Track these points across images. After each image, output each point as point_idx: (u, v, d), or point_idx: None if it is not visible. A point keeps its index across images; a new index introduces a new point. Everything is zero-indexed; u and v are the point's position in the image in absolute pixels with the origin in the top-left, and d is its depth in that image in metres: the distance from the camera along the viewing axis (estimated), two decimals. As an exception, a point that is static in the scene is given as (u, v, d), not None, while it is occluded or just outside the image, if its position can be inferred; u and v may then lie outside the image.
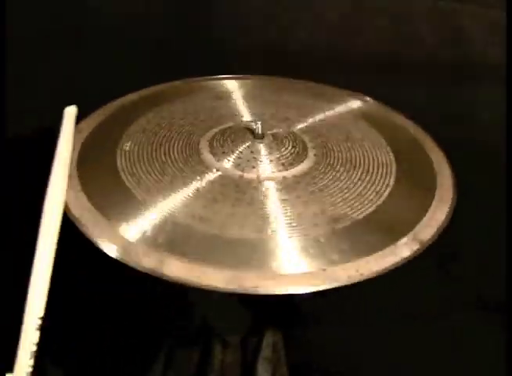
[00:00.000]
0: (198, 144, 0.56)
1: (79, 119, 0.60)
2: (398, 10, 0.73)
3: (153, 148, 0.55)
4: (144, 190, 0.50)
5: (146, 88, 0.66)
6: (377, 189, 0.52)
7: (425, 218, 0.50)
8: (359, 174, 0.53)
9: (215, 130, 0.58)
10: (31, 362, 0.40)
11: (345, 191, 0.51)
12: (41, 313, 0.42)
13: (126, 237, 0.46)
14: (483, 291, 0.49)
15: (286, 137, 0.56)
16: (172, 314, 0.49)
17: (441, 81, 0.58)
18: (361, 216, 0.49)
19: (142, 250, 0.45)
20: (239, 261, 0.44)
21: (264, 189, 0.51)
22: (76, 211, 0.48)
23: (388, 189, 0.52)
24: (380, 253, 0.46)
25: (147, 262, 0.44)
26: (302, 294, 0.43)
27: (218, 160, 0.53)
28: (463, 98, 0.63)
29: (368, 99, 0.67)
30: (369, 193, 0.51)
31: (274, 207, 0.49)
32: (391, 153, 0.57)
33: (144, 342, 0.48)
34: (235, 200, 0.49)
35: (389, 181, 0.53)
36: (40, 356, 0.41)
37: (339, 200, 0.50)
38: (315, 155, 0.55)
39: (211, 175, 0.52)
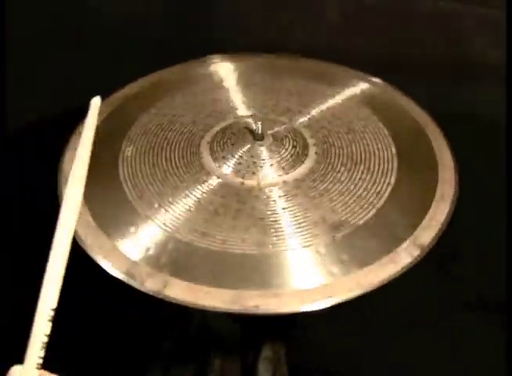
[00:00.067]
0: (199, 147, 0.56)
1: (80, 119, 0.61)
2: (398, 10, 0.72)
3: (154, 152, 0.56)
4: (146, 204, 0.51)
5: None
6: (378, 189, 0.52)
7: (425, 220, 0.50)
8: (360, 173, 0.53)
9: (216, 128, 0.58)
10: (42, 353, 0.40)
11: (346, 194, 0.51)
12: (55, 305, 0.42)
13: (129, 257, 0.47)
14: (483, 291, 0.50)
15: (286, 136, 0.56)
16: (172, 316, 0.50)
17: (441, 81, 0.58)
18: (361, 222, 0.49)
19: (146, 271, 0.46)
20: (241, 279, 0.45)
21: (264, 197, 0.51)
22: (80, 230, 0.49)
23: (389, 189, 0.52)
24: (380, 262, 0.47)
25: (151, 283, 0.45)
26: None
27: (219, 167, 0.53)
28: (463, 98, 0.62)
29: (374, 79, 0.66)
30: (370, 194, 0.52)
31: (274, 218, 0.49)
32: (392, 146, 0.57)
33: (143, 345, 0.50)
34: (236, 212, 0.50)
35: (390, 179, 0.53)
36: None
37: (339, 205, 0.50)
38: (315, 153, 0.55)
39: (212, 184, 0.52)
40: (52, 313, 0.41)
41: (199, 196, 0.51)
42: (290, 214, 0.50)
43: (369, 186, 0.52)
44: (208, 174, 0.53)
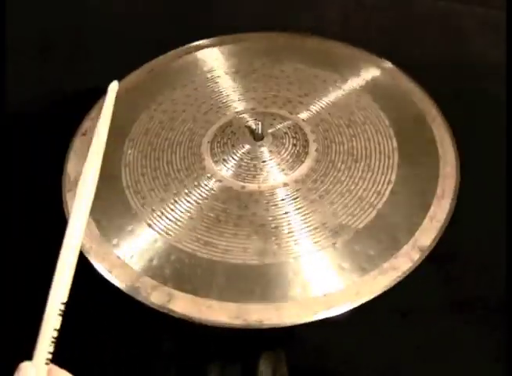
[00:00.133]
0: (199, 147, 0.56)
1: (81, 119, 0.61)
2: (398, 10, 0.71)
3: (155, 155, 0.56)
4: (149, 211, 0.52)
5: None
6: (378, 188, 0.52)
7: (425, 220, 0.50)
8: (361, 171, 0.53)
9: (216, 126, 0.58)
10: (52, 349, 0.38)
11: (346, 195, 0.52)
12: (65, 299, 0.40)
13: (134, 269, 0.48)
14: (483, 291, 0.51)
15: (286, 133, 0.56)
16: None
17: (441, 81, 0.57)
18: (361, 225, 0.50)
19: (151, 284, 0.47)
20: (243, 291, 0.46)
21: (265, 201, 0.52)
22: (85, 241, 0.49)
23: (389, 187, 0.52)
24: (381, 268, 0.47)
25: (155, 297, 0.46)
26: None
27: (220, 170, 0.54)
28: (463, 98, 0.62)
29: (376, 60, 0.64)
30: (370, 194, 0.52)
31: (275, 224, 0.50)
32: (393, 138, 0.57)
33: (143, 345, 0.50)
34: (237, 218, 0.50)
35: (390, 176, 0.53)
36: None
37: (340, 208, 0.51)
38: (316, 150, 0.55)
39: (213, 189, 0.53)
40: (62, 307, 0.40)
41: (200, 201, 0.52)
42: (290, 220, 0.50)
43: (369, 186, 0.52)
44: (209, 178, 0.53)
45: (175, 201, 0.52)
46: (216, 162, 0.54)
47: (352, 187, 0.52)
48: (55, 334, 0.39)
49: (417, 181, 0.54)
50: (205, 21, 0.70)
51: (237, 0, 0.79)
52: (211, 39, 0.69)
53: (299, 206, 0.51)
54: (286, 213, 0.51)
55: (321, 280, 0.47)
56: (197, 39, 0.67)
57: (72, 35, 0.71)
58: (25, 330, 0.51)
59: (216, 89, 0.63)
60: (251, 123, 0.57)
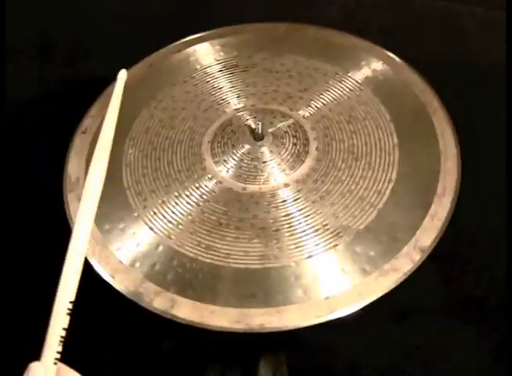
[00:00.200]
0: (200, 147, 0.56)
1: (81, 117, 0.61)
2: (398, 10, 0.70)
3: (156, 155, 0.56)
4: (151, 214, 0.52)
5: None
6: (379, 187, 0.52)
7: (426, 220, 0.50)
8: (361, 170, 0.53)
9: (217, 124, 0.58)
10: (60, 348, 0.38)
11: (347, 195, 0.52)
12: (73, 297, 0.40)
13: (137, 274, 0.48)
14: (483, 291, 0.51)
15: (286, 132, 0.56)
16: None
17: (440, 81, 0.57)
18: (362, 226, 0.50)
19: (154, 290, 0.47)
20: (245, 295, 0.46)
21: (266, 203, 0.52)
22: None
23: (390, 186, 0.52)
24: (381, 270, 0.47)
25: (158, 303, 0.46)
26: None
27: (221, 171, 0.54)
28: (463, 98, 0.61)
29: (377, 50, 0.64)
30: (371, 193, 0.52)
31: (276, 227, 0.50)
32: (394, 134, 0.57)
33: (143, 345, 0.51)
34: (238, 221, 0.50)
35: (391, 175, 0.53)
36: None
37: (340, 208, 0.51)
38: (316, 149, 0.55)
39: (214, 191, 0.53)
40: (70, 306, 0.40)
41: (201, 204, 0.52)
42: (291, 222, 0.50)
43: (370, 185, 0.52)
44: (210, 179, 0.54)
45: (176, 204, 0.52)
46: (216, 163, 0.54)
47: (353, 187, 0.52)
48: (64, 333, 0.39)
49: (418, 178, 0.54)
50: (205, 21, 0.70)
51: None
52: (210, 32, 0.68)
53: (300, 207, 0.51)
54: (287, 215, 0.51)
55: (322, 283, 0.47)
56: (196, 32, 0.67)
57: (72, 35, 0.71)
58: (25, 330, 0.52)
59: (216, 85, 0.62)
60: (251, 122, 0.57)
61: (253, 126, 0.56)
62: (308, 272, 0.48)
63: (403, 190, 0.52)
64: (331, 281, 0.47)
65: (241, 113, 0.59)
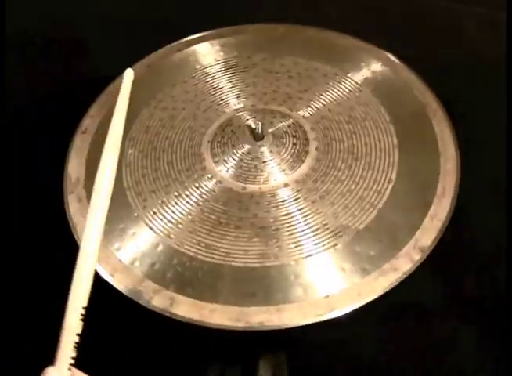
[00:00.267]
0: (200, 147, 0.56)
1: (80, 117, 0.61)
2: (398, 10, 0.70)
3: (156, 155, 0.56)
4: (151, 214, 0.52)
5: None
6: (379, 187, 0.52)
7: (426, 220, 0.50)
8: (361, 170, 0.53)
9: (216, 124, 0.58)
10: (74, 354, 0.38)
11: (347, 195, 0.52)
12: (85, 303, 0.40)
13: (136, 273, 0.48)
14: (483, 291, 0.51)
15: (286, 132, 0.56)
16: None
17: (440, 81, 0.57)
18: (362, 226, 0.50)
19: (153, 288, 0.47)
20: (245, 294, 0.46)
21: (266, 203, 0.52)
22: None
23: (390, 186, 0.52)
24: (381, 269, 0.47)
25: (158, 301, 0.46)
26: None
27: (220, 171, 0.54)
28: (462, 98, 0.61)
29: (376, 52, 0.64)
30: (371, 193, 0.52)
31: (276, 226, 0.50)
32: (394, 135, 0.57)
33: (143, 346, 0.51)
34: (238, 221, 0.50)
35: (391, 175, 0.53)
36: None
37: (340, 208, 0.51)
38: (316, 149, 0.55)
39: (214, 190, 0.53)
40: (83, 312, 0.39)
41: (201, 203, 0.52)
42: (291, 221, 0.50)
43: (370, 185, 0.52)
44: (210, 179, 0.54)
45: (176, 203, 0.52)
46: (216, 162, 0.54)
47: (353, 187, 0.52)
48: (77, 339, 0.38)
49: (418, 179, 0.54)
50: (205, 21, 0.70)
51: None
52: (209, 32, 0.68)
53: (300, 207, 0.51)
54: (286, 215, 0.51)
55: (322, 281, 0.47)
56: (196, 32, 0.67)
57: (72, 34, 0.71)
58: (25, 330, 0.52)
59: (216, 85, 0.62)
60: (251, 122, 0.57)
61: (253, 126, 0.56)
62: (307, 271, 0.48)
63: (403, 190, 0.52)
64: (331, 280, 0.47)
65: (241, 113, 0.59)
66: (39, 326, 0.52)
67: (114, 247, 0.50)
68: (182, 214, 0.51)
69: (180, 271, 0.48)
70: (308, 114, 0.58)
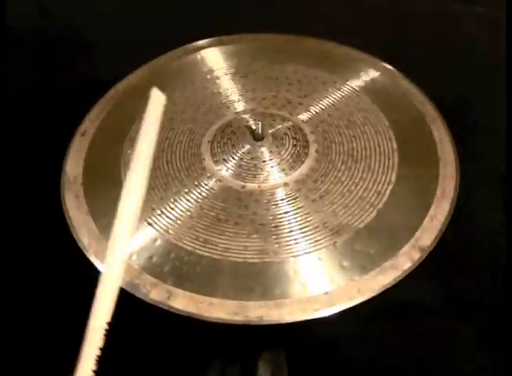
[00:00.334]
0: (199, 147, 0.56)
1: (80, 119, 0.61)
2: (398, 10, 0.71)
3: (155, 155, 0.56)
4: (149, 210, 0.51)
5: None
6: (379, 188, 0.52)
7: (426, 220, 0.51)
8: (361, 172, 0.53)
9: (216, 126, 0.58)
10: (95, 367, 0.38)
11: (346, 195, 0.52)
12: (109, 318, 0.39)
13: (134, 266, 0.48)
14: (483, 291, 0.51)
15: (286, 134, 0.56)
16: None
17: (440, 81, 0.58)
18: (362, 225, 0.50)
19: (150, 281, 0.47)
20: (244, 288, 0.46)
21: (265, 201, 0.52)
22: (84, 239, 0.50)
23: (390, 187, 0.52)
24: (381, 267, 0.48)
25: (155, 294, 0.46)
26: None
27: (220, 170, 0.54)
28: (462, 98, 0.62)
29: (375, 62, 0.65)
30: (371, 194, 0.52)
31: (276, 224, 0.50)
32: (393, 139, 0.57)
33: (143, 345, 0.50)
34: (237, 217, 0.50)
35: (391, 177, 0.53)
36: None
37: (340, 208, 0.51)
38: (316, 151, 0.55)
39: (213, 188, 0.53)
40: (106, 327, 0.38)
41: (200, 201, 0.52)
42: (291, 219, 0.50)
43: (369, 186, 0.53)
44: (209, 178, 0.53)
45: (175, 200, 0.52)
46: (216, 162, 0.54)
47: (353, 187, 0.52)
48: (99, 352, 0.38)
49: (417, 181, 0.54)
50: (205, 29, 0.70)
51: (237, 2, 0.79)
52: (210, 40, 0.69)
53: (299, 206, 0.51)
54: (286, 213, 0.51)
55: (321, 278, 0.47)
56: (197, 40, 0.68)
57: (73, 37, 0.71)
58: (24, 330, 0.51)
59: (215, 90, 0.63)
60: (251, 123, 0.57)
61: (253, 127, 0.56)
62: (306, 268, 0.47)
63: (403, 192, 0.53)
64: (330, 276, 0.47)
65: (241, 116, 0.59)
66: (40, 325, 0.51)
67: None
68: (180, 210, 0.51)
69: (178, 265, 0.48)
70: (308, 118, 0.59)
